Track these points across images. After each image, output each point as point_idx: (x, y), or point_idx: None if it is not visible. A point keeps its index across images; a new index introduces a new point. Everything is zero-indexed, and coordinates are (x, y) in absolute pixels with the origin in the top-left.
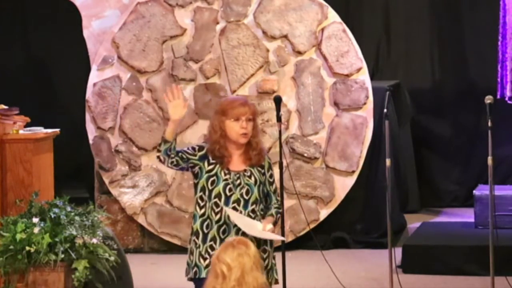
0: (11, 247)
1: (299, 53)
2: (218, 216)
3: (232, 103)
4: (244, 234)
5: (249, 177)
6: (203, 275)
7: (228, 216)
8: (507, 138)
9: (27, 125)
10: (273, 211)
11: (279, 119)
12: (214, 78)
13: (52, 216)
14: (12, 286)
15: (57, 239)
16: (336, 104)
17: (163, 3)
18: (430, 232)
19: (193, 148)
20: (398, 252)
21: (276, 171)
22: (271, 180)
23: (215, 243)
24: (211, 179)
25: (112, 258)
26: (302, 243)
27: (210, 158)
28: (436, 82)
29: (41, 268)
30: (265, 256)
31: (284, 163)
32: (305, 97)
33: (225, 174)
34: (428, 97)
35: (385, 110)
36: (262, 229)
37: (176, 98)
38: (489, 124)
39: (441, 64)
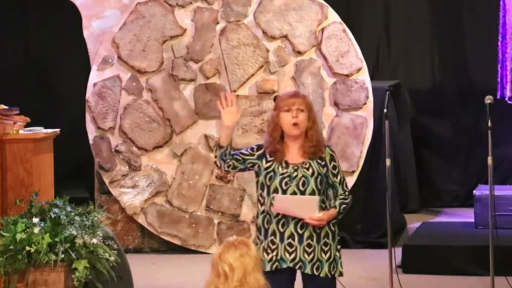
0: (11, 247)
1: (299, 53)
2: None
3: (283, 96)
4: (301, 225)
5: (307, 169)
6: (267, 268)
7: (271, 204)
8: (507, 138)
9: (27, 125)
10: (337, 202)
11: None
12: (214, 78)
13: (52, 216)
14: (12, 286)
15: (57, 239)
16: (336, 104)
17: (163, 3)
18: (430, 232)
19: (252, 149)
20: (398, 252)
21: None
22: (334, 171)
23: (275, 237)
24: (269, 175)
25: (112, 258)
26: None
27: (268, 156)
28: (436, 82)
29: (41, 268)
30: (326, 249)
31: None
32: None
33: (282, 168)
34: (428, 97)
35: (385, 110)
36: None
37: (230, 105)
38: (489, 124)
39: (441, 64)
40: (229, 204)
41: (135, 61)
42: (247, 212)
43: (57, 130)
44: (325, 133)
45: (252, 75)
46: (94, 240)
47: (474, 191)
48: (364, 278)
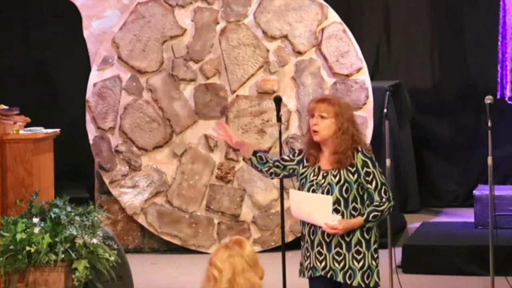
0: (11, 247)
1: (299, 53)
2: None
3: (311, 100)
4: (328, 233)
5: (334, 176)
6: (306, 275)
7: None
8: (507, 138)
9: (27, 125)
10: (367, 210)
11: (279, 119)
12: (214, 78)
13: (52, 216)
14: (13, 286)
15: (57, 239)
16: None
17: (163, 3)
18: (430, 232)
19: (293, 154)
20: (398, 252)
21: None
22: (368, 178)
23: (308, 244)
24: (302, 181)
25: (112, 258)
26: None
27: (305, 161)
28: (436, 82)
29: (41, 268)
30: (359, 257)
31: None
32: (305, 97)
33: (313, 175)
34: (428, 97)
35: (385, 110)
36: (327, 222)
37: (224, 133)
38: (489, 124)
39: (441, 64)
40: (229, 204)
41: (135, 61)
42: (247, 212)
43: (57, 130)
44: None
45: (252, 75)
46: (94, 240)
47: (474, 191)
48: None
